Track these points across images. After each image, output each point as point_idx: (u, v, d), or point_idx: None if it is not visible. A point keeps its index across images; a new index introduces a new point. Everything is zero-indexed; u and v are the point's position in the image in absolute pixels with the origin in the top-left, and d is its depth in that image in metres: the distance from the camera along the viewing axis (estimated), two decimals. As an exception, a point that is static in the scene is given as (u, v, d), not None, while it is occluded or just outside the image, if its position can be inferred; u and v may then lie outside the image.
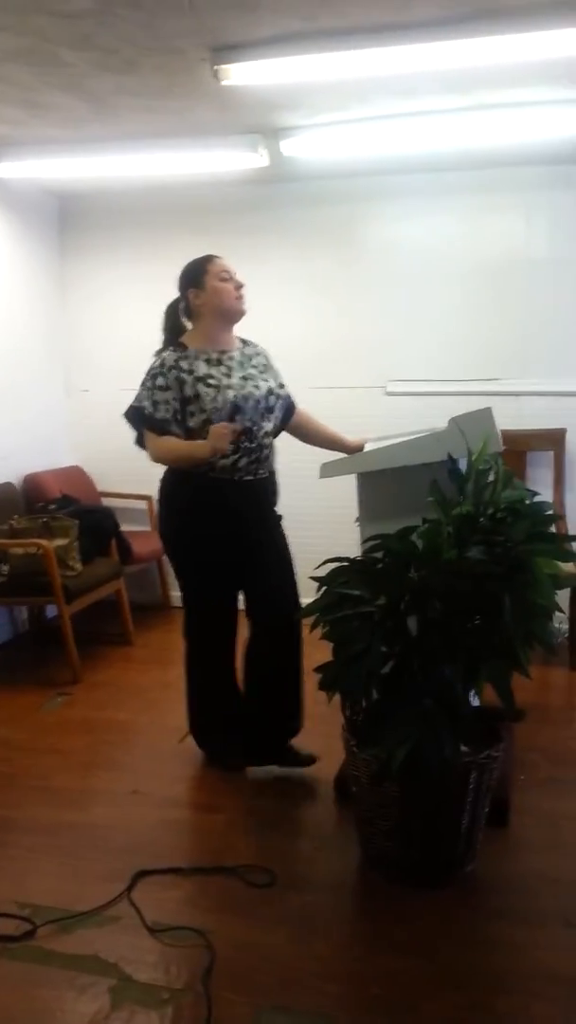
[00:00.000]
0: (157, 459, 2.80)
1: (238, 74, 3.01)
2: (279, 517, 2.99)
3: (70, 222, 5.14)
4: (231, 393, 2.74)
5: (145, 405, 2.75)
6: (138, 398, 2.78)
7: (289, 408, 3.03)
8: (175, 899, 2.31)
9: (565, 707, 3.74)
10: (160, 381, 2.74)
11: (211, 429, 2.65)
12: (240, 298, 2.85)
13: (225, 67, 2.97)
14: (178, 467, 2.80)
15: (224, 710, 3.02)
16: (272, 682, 2.97)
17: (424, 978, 1.99)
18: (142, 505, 4.99)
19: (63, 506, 4.42)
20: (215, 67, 2.97)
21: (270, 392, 2.86)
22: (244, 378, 2.82)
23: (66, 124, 3.73)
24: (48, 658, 4.32)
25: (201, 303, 2.84)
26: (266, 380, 2.88)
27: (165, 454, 2.76)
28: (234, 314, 2.86)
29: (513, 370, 4.58)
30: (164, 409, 2.72)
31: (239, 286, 2.84)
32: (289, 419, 3.04)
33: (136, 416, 2.78)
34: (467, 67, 2.96)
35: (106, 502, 5.03)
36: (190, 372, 2.74)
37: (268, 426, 2.83)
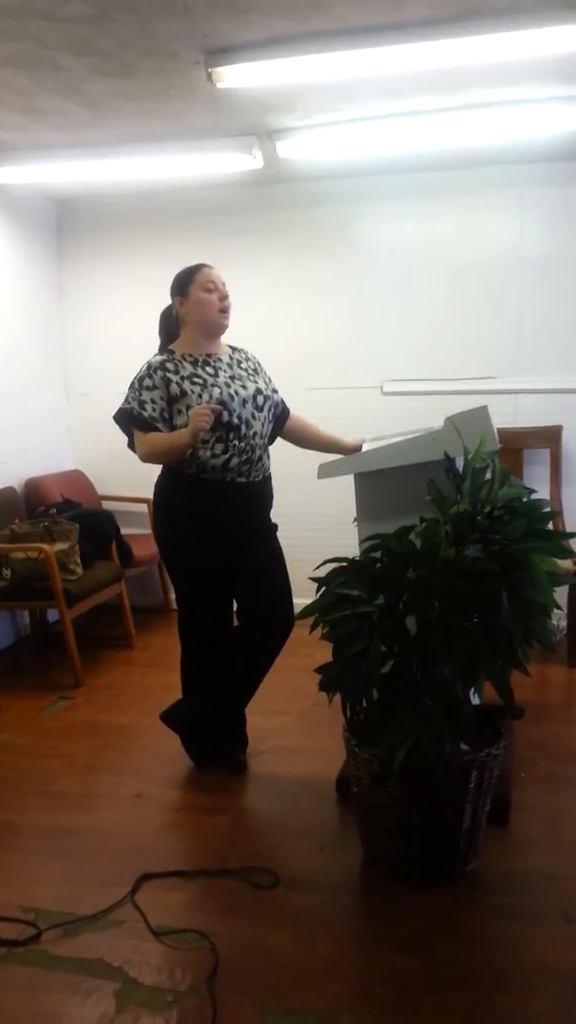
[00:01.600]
0: (144, 456, 2.78)
1: (232, 76, 3.02)
2: (275, 526, 2.99)
3: (67, 226, 5.15)
4: (217, 391, 2.75)
5: (132, 406, 2.76)
6: (126, 400, 2.79)
7: (282, 414, 3.04)
8: (179, 902, 2.31)
9: (564, 704, 3.74)
10: (147, 382, 2.76)
11: (191, 412, 2.63)
12: (223, 311, 2.84)
13: (219, 70, 2.98)
14: (167, 462, 2.80)
15: (222, 710, 3.03)
16: (246, 688, 3.01)
17: (426, 976, 1.99)
18: (142, 508, 4.99)
19: (64, 510, 4.43)
20: (209, 70, 2.99)
21: (258, 392, 2.86)
22: (232, 378, 2.83)
23: (63, 128, 3.75)
24: (50, 662, 4.33)
25: (184, 312, 2.86)
26: (254, 381, 2.88)
27: (150, 449, 2.74)
28: (213, 327, 2.85)
29: (509, 368, 4.59)
30: (151, 408, 2.73)
31: (223, 297, 2.84)
32: (282, 425, 3.04)
33: (124, 418, 2.80)
34: (459, 66, 2.98)
35: (106, 505, 5.04)
36: (176, 372, 2.75)
37: (257, 425, 2.82)
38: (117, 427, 2.85)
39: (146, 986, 1.99)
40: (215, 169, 4.23)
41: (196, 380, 2.76)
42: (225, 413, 2.72)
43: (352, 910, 2.31)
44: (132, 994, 1.96)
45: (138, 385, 2.77)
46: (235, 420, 2.75)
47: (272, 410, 2.93)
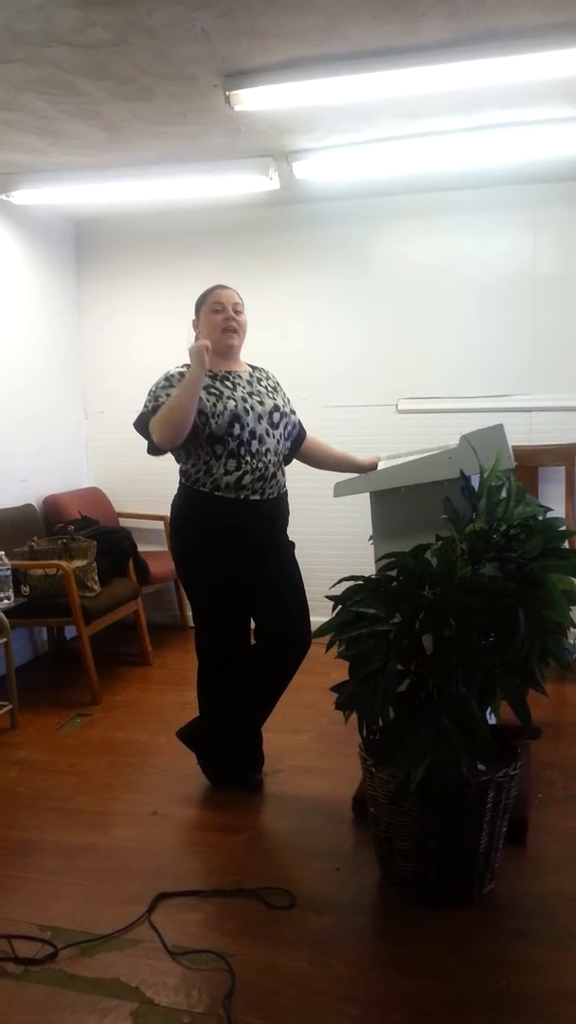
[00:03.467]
0: (163, 427, 2.68)
1: (249, 99, 3.05)
2: (292, 544, 3.00)
3: (86, 246, 5.21)
4: (232, 403, 2.78)
5: (149, 407, 2.80)
6: (144, 405, 2.83)
7: (299, 436, 3.06)
8: (195, 922, 2.30)
9: (583, 724, 3.71)
10: (163, 383, 2.81)
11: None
12: (227, 331, 2.86)
13: (237, 93, 3.01)
14: (183, 423, 2.66)
15: (238, 728, 3.03)
16: (263, 706, 3.00)
17: (444, 1000, 1.98)
18: (158, 525, 5.02)
19: (82, 527, 4.45)
20: (227, 93, 3.02)
21: (275, 408, 2.89)
22: (250, 394, 2.86)
23: (82, 151, 3.80)
24: (67, 679, 4.35)
25: (197, 332, 2.93)
26: (272, 399, 2.91)
27: (161, 415, 2.69)
28: (218, 346, 2.86)
29: (523, 386, 4.59)
30: (165, 401, 2.74)
31: (227, 318, 2.86)
32: (298, 447, 3.07)
33: (141, 420, 2.82)
34: (474, 88, 3.00)
35: (123, 523, 5.07)
36: None
37: (271, 442, 2.83)
38: (137, 444, 2.87)
39: (162, 1007, 1.98)
40: (232, 190, 4.27)
41: (213, 391, 2.78)
42: (237, 426, 2.75)
43: (369, 932, 2.30)
44: (149, 1015, 1.95)
45: (156, 389, 2.82)
46: (246, 435, 2.76)
47: (288, 429, 2.95)
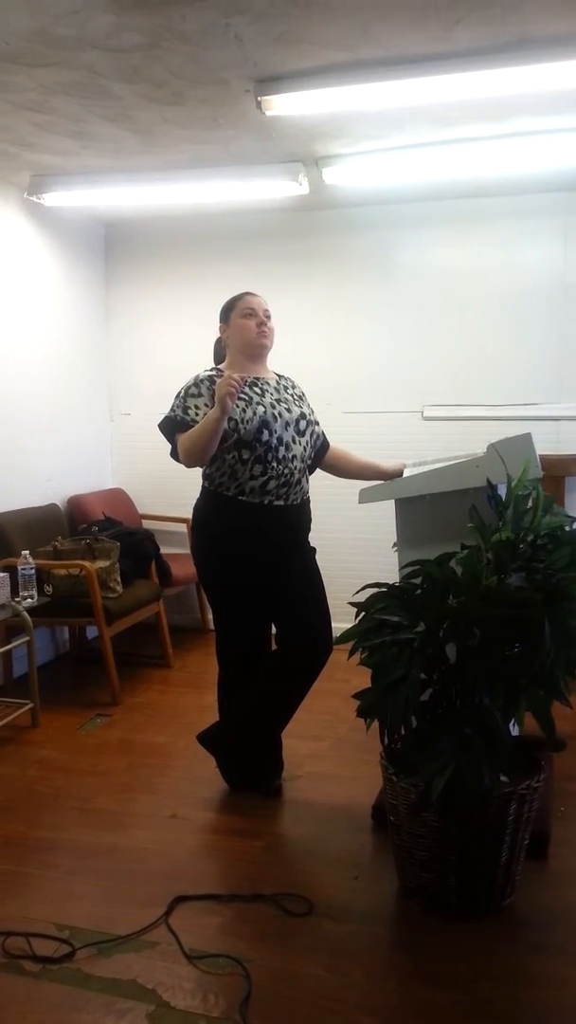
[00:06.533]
0: (184, 453, 2.75)
1: (281, 105, 3.06)
2: (313, 549, 3.00)
3: (115, 249, 5.25)
4: (261, 410, 2.78)
5: (176, 413, 2.81)
6: (171, 408, 2.84)
7: (322, 447, 3.06)
8: (213, 926, 2.30)
9: (607, 737, 3.66)
10: (192, 391, 2.82)
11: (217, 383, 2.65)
12: (262, 333, 2.89)
13: (268, 98, 3.01)
14: (206, 452, 2.70)
15: (258, 733, 3.03)
16: (283, 712, 2.99)
17: (462, 1012, 1.96)
18: (181, 528, 5.02)
19: (105, 528, 4.47)
20: (259, 98, 3.02)
21: (302, 416, 2.90)
22: (277, 400, 2.87)
23: (113, 154, 3.82)
24: (88, 679, 4.37)
25: (226, 337, 2.95)
26: (299, 407, 2.93)
27: (187, 442, 2.73)
28: (253, 348, 2.89)
29: (551, 394, 4.56)
30: (194, 412, 2.77)
31: (260, 322, 2.89)
32: (322, 457, 3.07)
33: (168, 425, 2.84)
34: (506, 95, 2.99)
35: (146, 524, 5.09)
36: None
37: (297, 449, 2.84)
38: (161, 447, 2.88)
39: (179, 1010, 1.97)
40: (261, 195, 4.28)
41: (242, 396, 2.79)
42: (266, 432, 2.75)
43: (387, 941, 2.28)
44: (165, 1017, 1.95)
45: (184, 394, 2.83)
46: (274, 441, 2.77)
47: (313, 438, 2.96)
